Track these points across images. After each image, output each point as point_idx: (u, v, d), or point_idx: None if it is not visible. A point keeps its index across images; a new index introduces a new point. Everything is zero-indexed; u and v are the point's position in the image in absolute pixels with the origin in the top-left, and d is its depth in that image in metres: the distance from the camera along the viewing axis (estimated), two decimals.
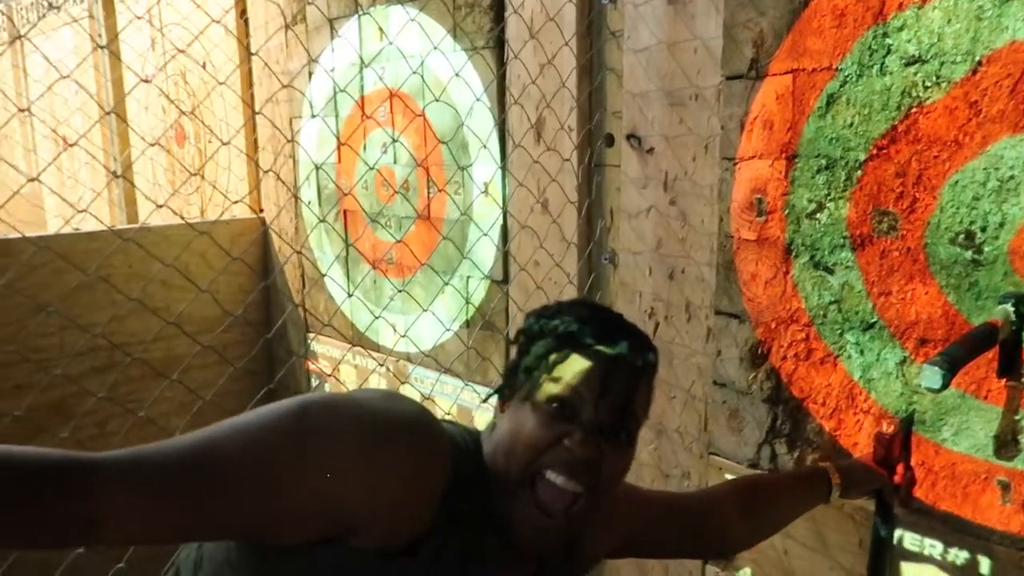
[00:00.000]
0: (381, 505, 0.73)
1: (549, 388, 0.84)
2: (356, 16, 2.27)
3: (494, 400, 0.92)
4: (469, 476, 0.83)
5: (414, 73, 1.84)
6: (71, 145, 1.05)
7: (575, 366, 0.84)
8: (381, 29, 2.19)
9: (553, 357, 0.85)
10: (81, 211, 1.12)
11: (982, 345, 1.07)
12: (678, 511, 1.13)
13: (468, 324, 2.11)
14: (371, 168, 2.16)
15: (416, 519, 0.77)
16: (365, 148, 2.33)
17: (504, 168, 1.92)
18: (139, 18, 1.29)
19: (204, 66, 3.07)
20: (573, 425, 0.83)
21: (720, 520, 1.13)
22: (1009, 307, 1.12)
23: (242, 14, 2.79)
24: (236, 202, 1.73)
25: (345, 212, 2.49)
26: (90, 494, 0.62)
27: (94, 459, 0.64)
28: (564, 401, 0.83)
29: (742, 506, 1.15)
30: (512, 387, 0.89)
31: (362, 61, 2.17)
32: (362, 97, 2.31)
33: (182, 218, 1.24)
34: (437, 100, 1.94)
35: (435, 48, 1.88)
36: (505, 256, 1.96)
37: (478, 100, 1.90)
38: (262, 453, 0.70)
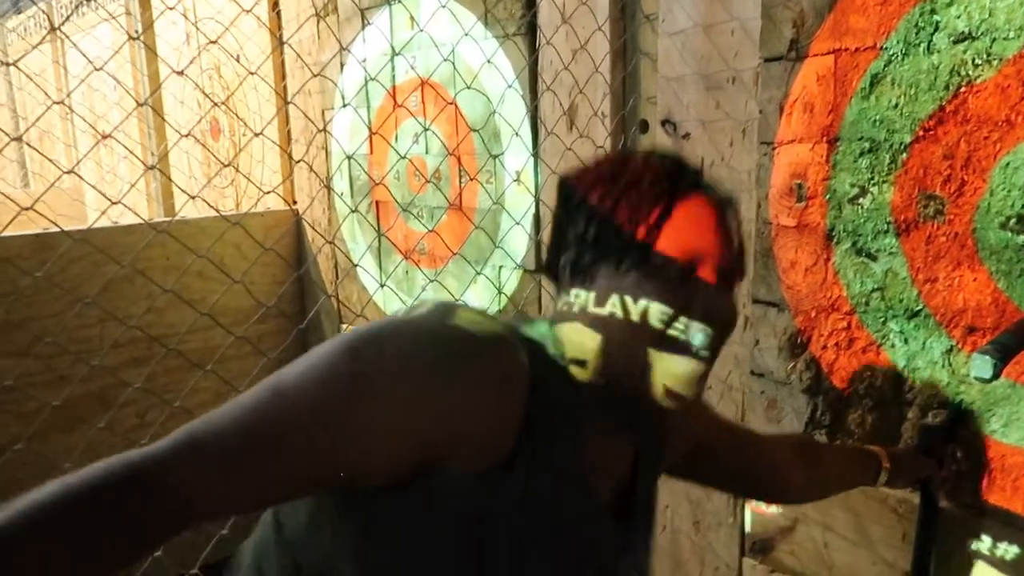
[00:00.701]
0: (463, 429, 0.67)
1: (669, 242, 0.74)
2: (387, 5, 2.26)
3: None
4: (548, 375, 0.74)
5: (445, 60, 1.83)
6: (106, 137, 1.05)
7: (690, 212, 0.75)
8: (412, 17, 2.17)
9: (657, 209, 0.74)
10: (115, 203, 1.12)
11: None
12: (745, 442, 1.07)
13: (500, 314, 2.10)
14: (402, 157, 2.15)
15: (503, 433, 0.69)
16: (397, 138, 2.33)
17: (536, 156, 1.89)
18: (171, 8, 1.29)
19: (238, 59, 3.10)
20: (701, 278, 0.74)
21: (783, 464, 1.09)
22: None
23: (274, 6, 2.81)
24: (268, 192, 1.73)
25: (377, 203, 2.49)
26: (171, 488, 0.59)
27: (154, 454, 0.60)
28: (691, 253, 0.74)
29: (804, 458, 1.11)
30: (583, 261, 0.77)
31: (393, 50, 2.16)
32: (393, 86, 2.30)
33: (216, 210, 1.24)
34: (468, 87, 1.92)
35: (466, 35, 1.86)
36: (538, 245, 1.94)
37: (510, 87, 1.88)
38: (326, 407, 0.63)
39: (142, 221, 1.57)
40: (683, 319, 0.73)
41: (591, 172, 0.80)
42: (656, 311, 0.73)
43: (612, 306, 0.74)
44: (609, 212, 0.76)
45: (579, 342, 0.76)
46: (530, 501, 0.71)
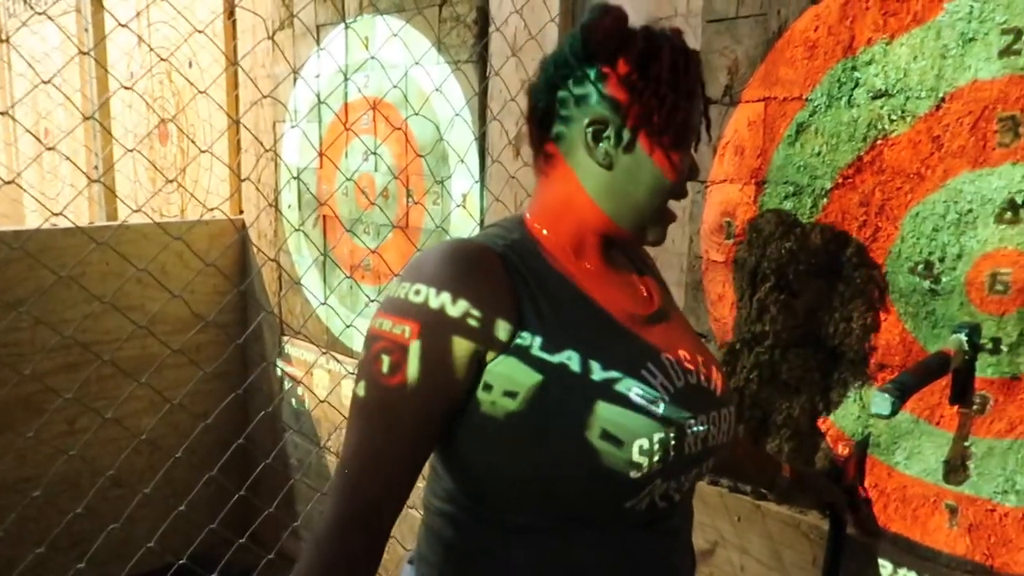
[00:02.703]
0: (487, 310, 0.79)
1: (678, 123, 0.86)
2: (342, 25, 2.28)
3: None
4: (519, 254, 0.85)
5: (395, 87, 1.86)
6: (49, 148, 1.06)
7: (671, 76, 0.85)
8: (367, 38, 2.21)
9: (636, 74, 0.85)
10: (56, 214, 1.12)
11: (933, 374, 1.10)
12: None
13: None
14: (348, 179, 2.18)
15: (507, 302, 0.80)
16: (347, 155, 2.35)
17: (482, 182, 1.94)
18: (123, 25, 1.30)
19: (190, 65, 3.08)
20: (687, 141, 0.89)
21: None
22: (963, 337, 1.16)
23: (230, 16, 2.80)
24: (212, 209, 1.73)
25: (324, 217, 2.50)
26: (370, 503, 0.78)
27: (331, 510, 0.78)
28: (687, 126, 0.88)
29: None
30: (566, 134, 0.89)
31: (344, 73, 2.19)
32: (345, 105, 2.33)
33: (158, 224, 1.24)
34: (417, 113, 1.96)
35: (416, 63, 1.90)
36: None
37: (457, 115, 1.92)
38: (388, 406, 0.78)
39: (81, 227, 1.56)
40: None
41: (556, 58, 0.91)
42: (666, 181, 0.88)
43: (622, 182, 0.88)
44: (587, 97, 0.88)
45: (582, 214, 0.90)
46: (551, 334, 0.81)
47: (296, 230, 2.51)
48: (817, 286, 1.35)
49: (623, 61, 0.85)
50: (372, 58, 1.95)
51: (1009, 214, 1.12)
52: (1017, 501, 1.15)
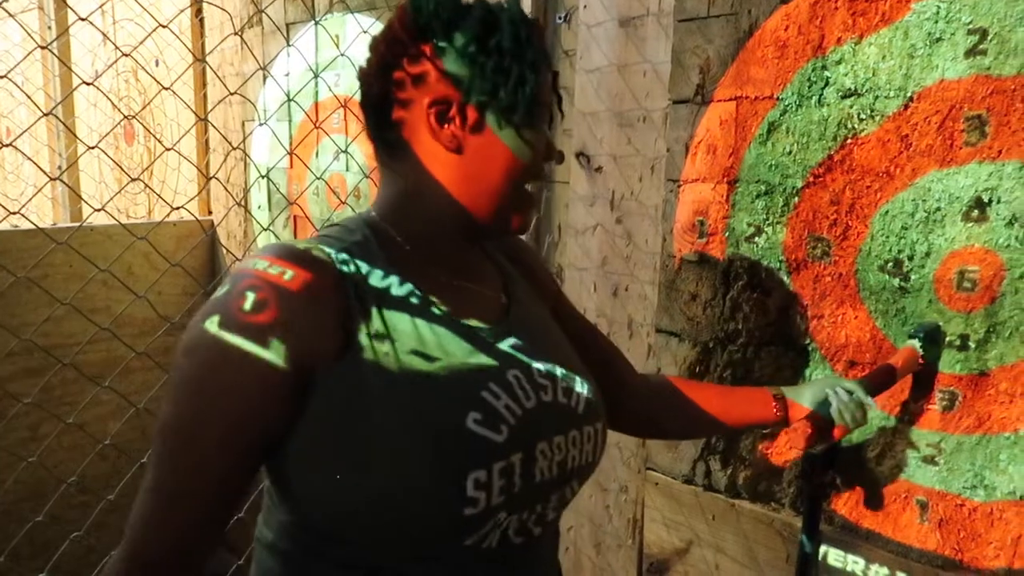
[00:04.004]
0: (303, 342, 0.70)
1: (526, 97, 0.79)
2: (312, 23, 2.26)
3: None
4: (359, 260, 0.77)
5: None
6: (6, 146, 1.02)
7: (521, 62, 0.79)
8: (337, 36, 2.18)
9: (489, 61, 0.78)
10: (14, 213, 1.09)
11: (885, 384, 1.13)
12: (589, 335, 1.07)
13: None
14: (318, 178, 2.15)
15: (327, 325, 0.71)
16: (317, 154, 2.32)
17: None
18: (84, 20, 1.27)
19: (157, 63, 3.03)
20: (539, 117, 0.82)
21: (623, 374, 1.08)
22: (916, 343, 1.17)
23: (198, 13, 2.76)
24: (178, 208, 1.70)
25: (295, 218, 2.47)
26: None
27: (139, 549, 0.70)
28: (536, 100, 0.81)
29: (652, 387, 1.11)
30: (406, 119, 0.81)
31: (314, 71, 2.16)
32: (316, 103, 2.30)
33: (122, 225, 1.22)
34: None
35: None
36: None
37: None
38: (206, 415, 0.69)
39: (42, 228, 1.53)
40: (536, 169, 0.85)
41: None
42: (526, 163, 0.83)
43: (477, 168, 0.82)
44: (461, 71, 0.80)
45: (437, 204, 0.83)
46: (390, 354, 0.73)
47: (265, 230, 2.48)
48: (789, 285, 1.36)
49: (460, 34, 0.78)
50: (343, 56, 1.93)
51: (976, 212, 1.14)
52: (986, 496, 1.17)
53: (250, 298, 0.68)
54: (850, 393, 1.07)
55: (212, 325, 0.68)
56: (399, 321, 0.75)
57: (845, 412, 1.05)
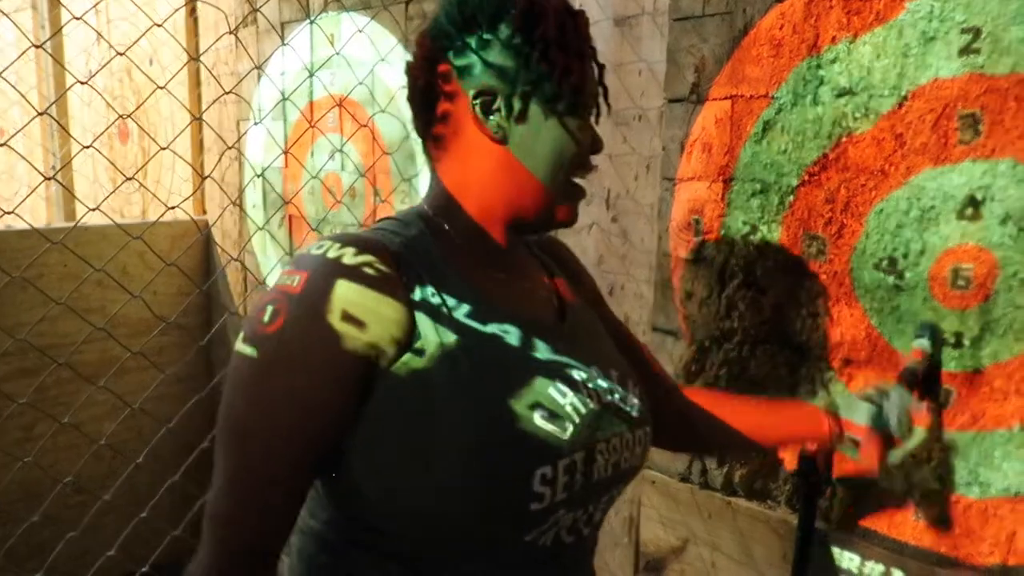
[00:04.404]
0: (372, 331, 0.70)
1: (571, 86, 0.79)
2: (307, 22, 2.26)
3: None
4: (416, 254, 0.77)
5: (361, 84, 1.84)
6: (2, 145, 1.02)
7: (570, 52, 0.79)
8: (332, 35, 2.18)
9: (539, 57, 0.78)
10: (8, 212, 1.09)
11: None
12: (631, 343, 1.06)
13: None
14: (313, 177, 2.15)
15: (396, 316, 0.72)
16: (313, 153, 2.32)
17: None
18: (78, 19, 1.26)
19: (151, 63, 3.02)
20: (584, 107, 0.82)
21: (664, 385, 1.07)
22: (926, 343, 1.17)
23: (192, 12, 2.75)
24: (172, 208, 1.69)
25: (291, 217, 2.47)
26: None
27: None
28: (582, 90, 0.80)
29: (691, 398, 1.09)
30: (452, 112, 0.81)
31: (310, 71, 2.16)
32: (311, 103, 2.30)
33: (117, 225, 1.21)
34: (383, 111, 1.94)
35: (382, 60, 1.88)
36: None
37: None
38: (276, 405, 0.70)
39: (37, 228, 1.52)
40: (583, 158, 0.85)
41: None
42: (574, 151, 0.83)
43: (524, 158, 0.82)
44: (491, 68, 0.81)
45: (489, 197, 0.83)
46: (456, 339, 0.73)
47: (260, 229, 2.47)
48: (784, 283, 1.36)
49: (505, 25, 0.79)
50: (338, 55, 1.93)
51: (970, 210, 1.14)
52: (980, 493, 1.17)
53: (329, 287, 0.69)
54: (901, 403, 1.07)
55: (297, 309, 0.69)
56: (462, 317, 0.75)
57: (903, 424, 1.05)
